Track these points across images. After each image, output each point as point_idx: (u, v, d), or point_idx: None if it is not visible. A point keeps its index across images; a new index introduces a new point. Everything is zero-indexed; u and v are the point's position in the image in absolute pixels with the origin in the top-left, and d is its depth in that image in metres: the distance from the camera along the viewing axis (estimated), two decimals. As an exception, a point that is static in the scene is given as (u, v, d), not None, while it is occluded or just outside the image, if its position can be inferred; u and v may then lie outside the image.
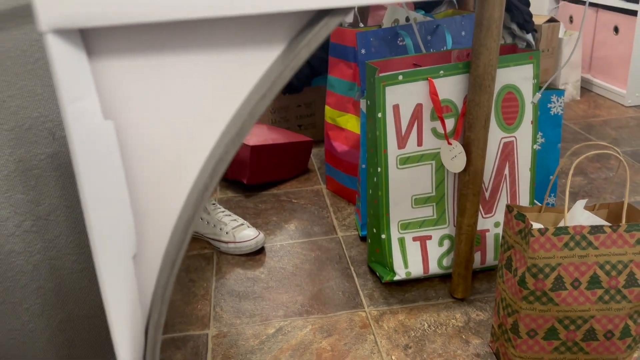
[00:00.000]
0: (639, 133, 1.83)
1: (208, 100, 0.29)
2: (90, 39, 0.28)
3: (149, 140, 0.33)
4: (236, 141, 0.30)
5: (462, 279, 1.08)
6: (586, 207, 0.91)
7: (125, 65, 0.29)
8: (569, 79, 2.17)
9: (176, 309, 1.10)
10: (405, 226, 1.11)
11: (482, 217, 1.12)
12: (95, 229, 0.31)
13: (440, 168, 1.07)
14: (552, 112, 1.22)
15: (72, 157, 0.30)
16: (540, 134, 1.23)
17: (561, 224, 0.88)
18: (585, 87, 2.33)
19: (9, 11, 0.49)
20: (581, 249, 0.81)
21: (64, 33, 0.26)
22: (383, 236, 1.11)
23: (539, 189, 1.25)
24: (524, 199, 1.13)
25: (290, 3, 0.26)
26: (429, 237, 1.12)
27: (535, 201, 1.23)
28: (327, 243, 1.31)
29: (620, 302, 0.83)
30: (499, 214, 1.13)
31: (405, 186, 1.08)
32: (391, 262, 1.11)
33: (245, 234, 1.25)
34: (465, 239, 1.06)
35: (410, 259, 1.12)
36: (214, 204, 1.32)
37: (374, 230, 1.13)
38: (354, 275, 1.19)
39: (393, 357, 0.95)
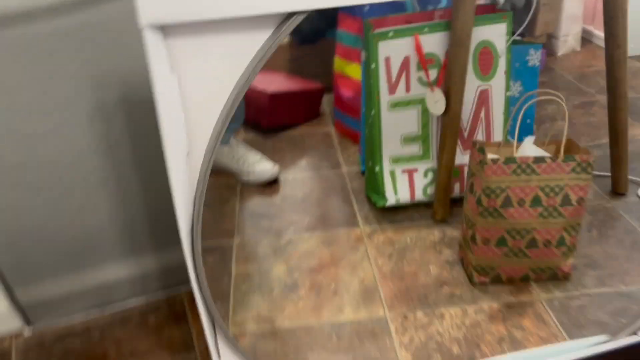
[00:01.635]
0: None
1: (227, 63, 0.51)
2: (165, 29, 0.50)
3: (194, 85, 0.55)
4: (244, 87, 0.52)
5: (441, 204, 1.31)
6: (539, 143, 1.11)
7: (183, 43, 0.50)
8: (570, 31, 2.31)
9: (207, 224, 1.36)
10: (396, 160, 1.33)
11: (462, 153, 1.33)
12: (167, 136, 0.54)
13: (425, 111, 1.28)
14: (529, 64, 1.40)
15: (154, 94, 0.52)
16: (519, 82, 1.42)
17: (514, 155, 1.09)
18: (587, 39, 2.46)
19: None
20: (526, 175, 1.03)
21: (154, 28, 0.48)
22: (377, 168, 1.33)
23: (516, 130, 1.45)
24: (497, 138, 1.33)
25: (269, 7, 0.48)
26: (416, 170, 1.34)
27: (509, 138, 1.43)
28: (332, 176, 1.54)
29: (556, 218, 1.05)
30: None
31: (396, 126, 1.29)
32: (384, 190, 1.34)
33: (263, 167, 1.49)
34: (445, 171, 1.27)
35: (400, 188, 1.34)
36: (238, 141, 1.55)
37: (370, 164, 1.36)
38: (354, 201, 1.42)
39: (379, 262, 1.20)
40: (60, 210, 0.91)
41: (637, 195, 1.35)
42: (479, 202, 1.06)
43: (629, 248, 1.18)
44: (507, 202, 1.04)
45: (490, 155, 1.05)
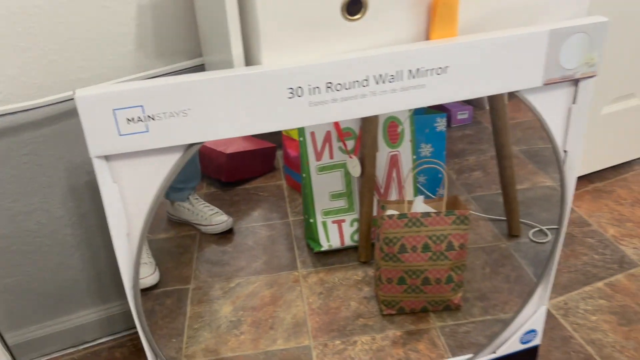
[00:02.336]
0: (536, 134, 2.28)
1: (151, 174, 0.78)
2: (107, 155, 0.77)
3: (129, 190, 0.81)
4: (164, 188, 0.79)
5: (364, 248, 1.57)
6: (430, 200, 1.38)
7: (120, 164, 0.78)
8: (497, 86, 2.62)
9: (169, 271, 1.60)
10: (327, 213, 1.59)
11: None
12: (111, 222, 0.79)
13: (347, 173, 1.55)
14: (437, 130, 1.69)
15: (101, 196, 0.78)
16: (430, 145, 1.70)
17: (406, 211, 1.36)
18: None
19: None
20: (416, 227, 1.29)
21: (99, 157, 0.76)
22: (312, 220, 1.59)
23: (430, 185, 1.72)
24: (409, 193, 1.60)
25: (175, 141, 0.75)
26: (344, 220, 1.60)
27: (430, 193, 1.70)
28: (280, 225, 1.80)
29: (443, 260, 1.31)
30: (391, 197, 1.61)
31: (324, 186, 1.56)
32: (318, 238, 1.60)
33: (219, 219, 1.75)
34: (365, 221, 1.54)
35: (331, 236, 1.60)
36: (197, 198, 1.81)
37: (306, 216, 1.62)
38: (295, 247, 1.67)
39: (310, 299, 1.44)
40: (42, 268, 1.16)
41: (529, 237, 1.62)
42: (381, 249, 1.32)
43: (513, 282, 1.44)
44: (403, 249, 1.30)
45: (389, 212, 1.32)
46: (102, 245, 1.22)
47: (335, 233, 1.60)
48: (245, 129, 0.77)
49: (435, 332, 1.32)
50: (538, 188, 1.88)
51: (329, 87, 0.75)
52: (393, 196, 1.60)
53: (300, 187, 1.94)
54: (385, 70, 0.76)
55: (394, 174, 1.57)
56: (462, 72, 0.79)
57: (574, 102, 0.89)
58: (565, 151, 0.94)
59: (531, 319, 1.12)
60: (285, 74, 0.73)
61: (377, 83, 0.77)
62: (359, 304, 1.42)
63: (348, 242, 1.60)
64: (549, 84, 0.85)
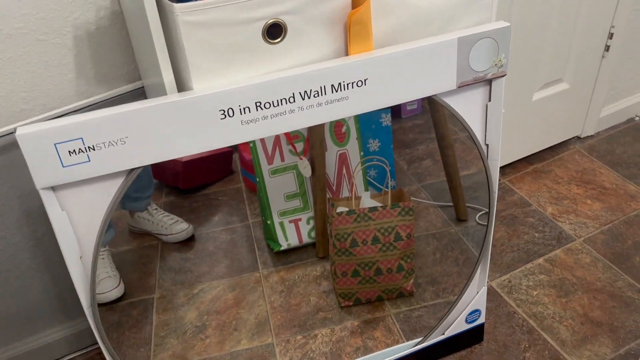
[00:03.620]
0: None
1: (97, 200, 0.83)
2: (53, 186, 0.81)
3: (77, 215, 0.86)
4: (110, 213, 0.84)
5: (321, 244, 1.63)
6: (377, 194, 1.46)
7: (66, 192, 0.82)
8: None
9: (133, 282, 1.64)
10: (283, 214, 1.65)
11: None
12: (63, 246, 0.84)
13: (299, 174, 1.61)
14: (383, 125, 1.76)
15: (52, 224, 0.83)
16: (377, 140, 1.77)
17: (354, 207, 1.43)
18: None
19: None
20: (365, 221, 1.36)
21: (45, 188, 0.80)
22: (269, 222, 1.65)
23: (380, 178, 1.80)
24: (360, 188, 1.67)
25: (116, 167, 0.80)
26: (300, 219, 1.66)
27: (382, 186, 1.78)
28: (240, 228, 1.85)
29: (393, 251, 1.39)
30: (343, 194, 1.68)
31: (279, 188, 1.62)
32: (277, 238, 1.66)
33: (179, 227, 1.79)
34: (320, 218, 1.60)
35: (289, 235, 1.66)
36: (156, 208, 1.84)
37: (264, 218, 1.68)
38: (256, 249, 1.73)
39: (272, 298, 1.51)
40: (3, 293, 1.19)
41: (476, 220, 1.71)
42: (334, 244, 1.39)
43: (462, 265, 1.53)
44: (354, 243, 1.37)
45: (339, 209, 1.39)
46: (61, 265, 1.26)
47: (293, 232, 1.66)
48: (182, 150, 0.82)
49: (390, 319, 1.39)
50: (483, 172, 1.98)
51: (258, 106, 0.81)
52: (345, 192, 1.67)
53: (256, 187, 2.00)
54: (310, 87, 0.82)
55: (344, 172, 1.64)
56: (380, 83, 0.86)
57: (489, 100, 0.97)
58: (486, 145, 1.02)
59: (474, 300, 1.21)
60: (215, 97, 0.79)
61: (303, 99, 0.83)
62: (318, 299, 1.49)
63: (306, 239, 1.67)
64: (462, 86, 0.92)
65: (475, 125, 0.99)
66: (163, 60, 0.78)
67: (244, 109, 0.80)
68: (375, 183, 1.84)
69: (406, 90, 0.88)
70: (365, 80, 0.84)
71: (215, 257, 1.72)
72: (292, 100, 0.82)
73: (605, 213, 1.61)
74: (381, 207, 1.36)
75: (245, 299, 1.53)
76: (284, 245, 1.66)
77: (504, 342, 1.30)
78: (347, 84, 0.84)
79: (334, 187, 1.66)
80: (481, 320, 1.26)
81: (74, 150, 0.75)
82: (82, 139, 0.75)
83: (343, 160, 1.63)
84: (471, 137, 1.01)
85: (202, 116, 0.79)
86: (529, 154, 1.83)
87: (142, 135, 0.78)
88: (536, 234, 1.57)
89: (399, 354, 1.21)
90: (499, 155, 1.03)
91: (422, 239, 1.64)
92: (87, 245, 0.84)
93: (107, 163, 0.78)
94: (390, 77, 0.86)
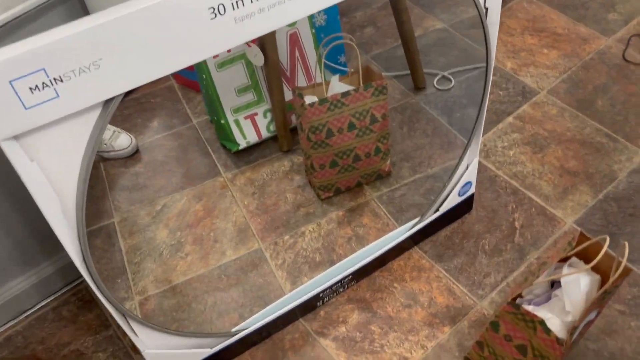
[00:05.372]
0: None
1: (72, 144, 0.66)
2: (16, 136, 0.63)
3: (50, 165, 0.70)
4: (92, 156, 0.68)
5: (284, 137, 1.53)
6: (344, 77, 1.34)
7: (34, 142, 0.65)
8: None
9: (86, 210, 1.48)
10: (237, 110, 1.50)
11: (290, 90, 1.53)
12: (41, 203, 0.69)
13: (249, 63, 1.45)
14: (327, -6, 1.59)
15: (23, 180, 0.66)
16: (322, 13, 1.61)
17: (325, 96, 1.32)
18: None
19: None
20: (339, 109, 1.26)
21: (6, 139, 0.62)
22: (223, 121, 1.51)
23: (331, 55, 1.67)
24: (320, 74, 1.55)
25: (97, 97, 0.63)
26: (256, 114, 1.53)
27: (327, 70, 1.65)
28: (185, 131, 1.69)
29: (369, 134, 1.31)
30: (301, 84, 1.55)
31: (228, 82, 1.45)
32: (234, 137, 1.53)
33: (121, 142, 1.60)
34: (279, 109, 1.48)
35: (247, 132, 1.53)
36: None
37: (215, 118, 1.53)
38: (211, 152, 1.60)
39: (245, 202, 1.42)
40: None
41: (434, 86, 1.66)
42: (308, 138, 1.29)
43: (431, 135, 1.50)
44: (330, 133, 1.28)
45: (308, 99, 1.27)
46: (14, 212, 1.08)
47: (250, 128, 1.53)
48: (168, 68, 0.67)
49: (374, 203, 1.36)
50: (430, 33, 1.89)
51: (253, -2, 0.66)
52: (300, 78, 1.53)
53: (195, 84, 1.81)
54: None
55: (297, 55, 1.50)
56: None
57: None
58: (486, 8, 0.92)
59: (466, 173, 1.18)
60: (202, -9, 0.62)
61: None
62: (295, 195, 1.42)
63: (265, 134, 1.55)
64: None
65: (478, -12, 0.88)
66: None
67: (237, 2, 0.65)
68: (329, 63, 1.71)
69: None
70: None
71: (168, 166, 1.57)
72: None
73: (563, 60, 1.60)
74: (353, 90, 1.26)
75: (217, 207, 1.43)
76: (243, 144, 1.53)
77: (492, 207, 1.31)
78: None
79: (288, 74, 1.52)
80: (472, 190, 1.25)
81: (37, 86, 0.58)
82: (44, 69, 0.57)
83: (295, 41, 1.48)
84: None
85: (188, 20, 0.63)
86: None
87: (119, 55, 0.61)
88: (501, 92, 1.55)
89: (399, 239, 1.19)
90: (498, 17, 0.94)
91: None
92: (68, 196, 0.70)
93: (80, 96, 0.62)
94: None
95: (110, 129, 1.63)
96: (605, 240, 0.85)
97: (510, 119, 1.48)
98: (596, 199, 1.29)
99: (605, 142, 1.40)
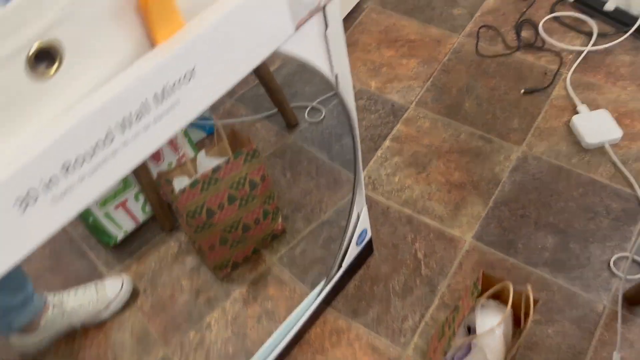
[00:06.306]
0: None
1: None
2: None
3: None
4: None
5: (164, 217, 1.41)
6: (211, 148, 1.25)
7: None
8: None
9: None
10: (104, 203, 1.36)
11: (155, 165, 1.41)
12: None
13: (103, 152, 1.31)
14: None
15: None
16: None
17: (195, 175, 1.22)
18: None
19: None
20: (213, 185, 1.17)
21: None
22: (91, 219, 1.36)
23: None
24: (182, 144, 1.43)
25: None
26: (126, 200, 1.39)
27: (195, 128, 1.54)
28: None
29: (253, 201, 1.23)
30: (167, 158, 1.43)
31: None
32: (108, 231, 1.38)
33: (111, 289, 1.27)
34: (149, 190, 1.36)
35: (121, 222, 1.40)
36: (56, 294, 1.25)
37: (83, 217, 1.37)
38: (88, 251, 1.44)
39: (138, 303, 1.29)
40: None
41: (306, 119, 1.60)
42: (188, 224, 1.18)
43: (316, 176, 1.45)
44: (210, 213, 1.19)
45: (177, 183, 1.17)
46: None
47: (124, 216, 1.40)
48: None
49: (276, 268, 1.29)
50: (289, 61, 1.83)
51: (67, 169, 0.55)
52: (166, 152, 1.41)
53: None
54: (127, 111, 0.58)
55: (154, 128, 1.37)
56: (212, 64, 0.64)
57: (327, 28, 0.80)
58: (336, 75, 0.87)
59: (359, 223, 1.14)
60: (2, 185, 0.51)
61: (123, 131, 0.58)
62: (190, 280, 1.31)
63: (142, 217, 1.42)
64: (300, 26, 0.74)
65: (321, 62, 0.82)
66: None
67: (49, 182, 0.54)
68: (195, 131, 1.59)
69: (247, 58, 0.67)
70: (192, 69, 0.62)
71: (42, 280, 1.40)
72: (110, 137, 0.57)
73: (423, 68, 1.60)
74: (224, 162, 1.17)
75: (108, 318, 1.29)
76: (120, 235, 1.40)
77: (392, 242, 1.28)
78: (173, 85, 0.61)
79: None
80: (369, 235, 1.21)
81: None
82: None
83: (148, 116, 1.35)
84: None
85: (-11, 222, 0.51)
86: (330, 30, 1.70)
87: None
88: (372, 116, 1.52)
89: (310, 309, 1.13)
90: (350, 81, 0.89)
91: (265, 161, 1.50)
92: None
93: None
94: (222, 52, 0.64)
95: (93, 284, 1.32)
96: (508, 286, 0.84)
97: (387, 142, 1.46)
98: (487, 208, 1.30)
99: (481, 145, 1.41)
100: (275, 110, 1.59)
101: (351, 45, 1.68)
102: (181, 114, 0.64)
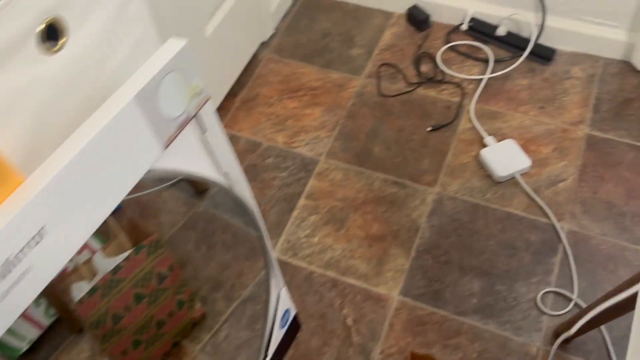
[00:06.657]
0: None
1: None
2: None
3: None
4: None
5: (70, 319, 1.28)
6: (108, 245, 1.14)
7: None
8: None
9: None
10: None
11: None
12: None
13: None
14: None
15: None
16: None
17: (94, 278, 1.11)
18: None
19: None
20: (116, 288, 1.07)
21: None
22: (-15, 335, 1.21)
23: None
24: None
25: None
26: (27, 309, 1.26)
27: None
28: (-52, 351, 1.35)
29: (163, 294, 1.14)
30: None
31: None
32: (9, 344, 1.24)
33: None
34: (49, 294, 1.23)
35: (24, 331, 1.26)
36: None
37: (-25, 334, 1.23)
38: (-11, 368, 1.29)
39: None
40: None
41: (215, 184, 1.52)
42: (93, 334, 1.07)
43: (232, 246, 1.37)
44: (117, 318, 1.08)
45: (75, 289, 1.06)
46: None
47: (26, 325, 1.26)
48: None
49: (201, 359, 1.20)
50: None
51: None
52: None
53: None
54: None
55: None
56: (64, 218, 0.55)
57: (204, 133, 0.73)
58: (225, 173, 0.81)
59: (279, 304, 1.07)
60: None
61: (-42, 324, 0.49)
62: (108, 387, 1.19)
63: (46, 321, 1.29)
64: (170, 143, 0.66)
65: (205, 169, 0.76)
66: None
67: None
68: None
69: (108, 197, 0.59)
70: (41, 229, 0.53)
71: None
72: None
73: (328, 116, 1.56)
74: (124, 260, 1.07)
75: None
76: (24, 344, 1.26)
77: (319, 312, 1.22)
78: (20, 251, 0.52)
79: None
80: (293, 313, 1.14)
81: None
82: None
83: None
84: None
85: None
86: (229, 86, 1.63)
87: None
88: (283, 174, 1.46)
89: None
90: (243, 176, 0.83)
91: (177, 238, 1.41)
92: None
93: None
94: (73, 201, 0.56)
95: None
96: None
97: (302, 200, 1.40)
98: (410, 258, 1.27)
99: (395, 191, 1.38)
100: (180, 177, 1.50)
101: (252, 99, 1.61)
102: (38, 277, 0.55)
